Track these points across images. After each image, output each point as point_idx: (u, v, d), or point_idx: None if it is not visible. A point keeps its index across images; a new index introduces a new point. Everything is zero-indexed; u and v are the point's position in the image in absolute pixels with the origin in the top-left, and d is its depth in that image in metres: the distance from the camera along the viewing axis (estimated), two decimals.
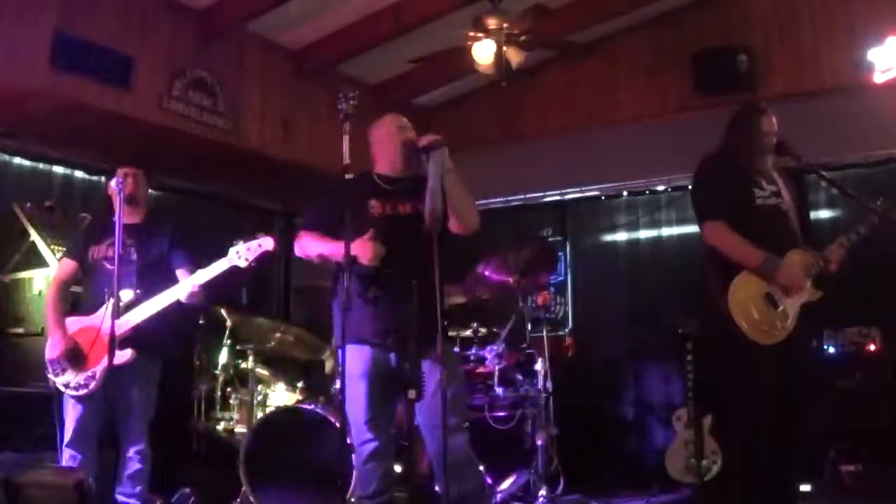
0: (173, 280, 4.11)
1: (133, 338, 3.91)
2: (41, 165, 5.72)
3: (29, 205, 4.96)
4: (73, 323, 4.08)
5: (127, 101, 5.23)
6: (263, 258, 4.09)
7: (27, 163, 5.67)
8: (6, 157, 5.56)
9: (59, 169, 5.81)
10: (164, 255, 4.18)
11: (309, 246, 3.54)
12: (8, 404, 4.46)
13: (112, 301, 3.78)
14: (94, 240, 4.21)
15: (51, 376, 4.01)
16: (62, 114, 5.05)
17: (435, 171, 3.35)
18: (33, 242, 4.79)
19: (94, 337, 3.95)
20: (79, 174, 5.89)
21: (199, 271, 4.02)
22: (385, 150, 3.65)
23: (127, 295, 3.93)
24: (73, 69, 4.92)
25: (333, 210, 3.42)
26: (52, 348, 4.02)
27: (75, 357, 3.97)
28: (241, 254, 4.00)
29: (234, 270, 4.04)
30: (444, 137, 3.42)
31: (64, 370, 3.97)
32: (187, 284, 4.00)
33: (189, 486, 4.74)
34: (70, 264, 4.23)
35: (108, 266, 4.05)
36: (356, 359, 3.36)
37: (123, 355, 3.83)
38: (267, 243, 4.05)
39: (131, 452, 4.00)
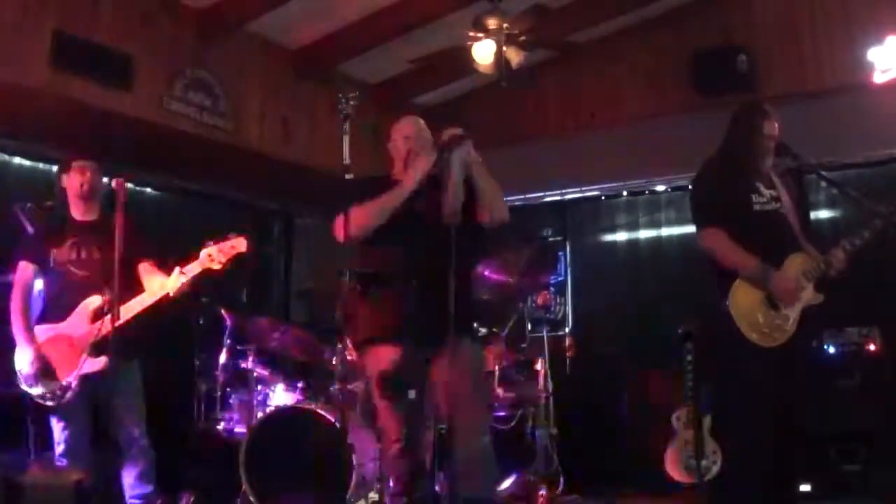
0: (135, 275, 3.98)
1: (109, 343, 3.67)
2: (41, 165, 5.72)
3: (29, 205, 4.94)
4: (43, 332, 3.92)
5: (127, 101, 5.23)
6: (238, 258, 3.95)
7: (27, 163, 5.66)
8: (6, 157, 5.55)
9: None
10: (125, 251, 4.06)
11: (360, 213, 3.40)
12: (8, 404, 4.44)
13: (91, 304, 3.77)
14: (54, 241, 4.03)
15: (24, 387, 3.86)
16: (62, 114, 5.04)
17: (458, 166, 3.38)
18: None
19: (66, 346, 3.83)
20: None
21: (170, 279, 3.88)
22: (394, 157, 3.74)
23: (95, 300, 3.83)
24: (73, 69, 4.92)
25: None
26: (23, 363, 3.85)
27: (47, 370, 3.82)
28: (213, 256, 3.87)
29: (208, 273, 3.91)
30: (464, 131, 3.45)
31: (37, 382, 3.83)
32: (176, 280, 3.86)
33: (189, 487, 4.74)
34: (30, 268, 4.02)
35: (75, 270, 3.93)
36: (374, 358, 3.40)
37: (97, 363, 3.73)
38: (239, 244, 3.90)
39: (133, 453, 3.94)
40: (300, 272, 7.33)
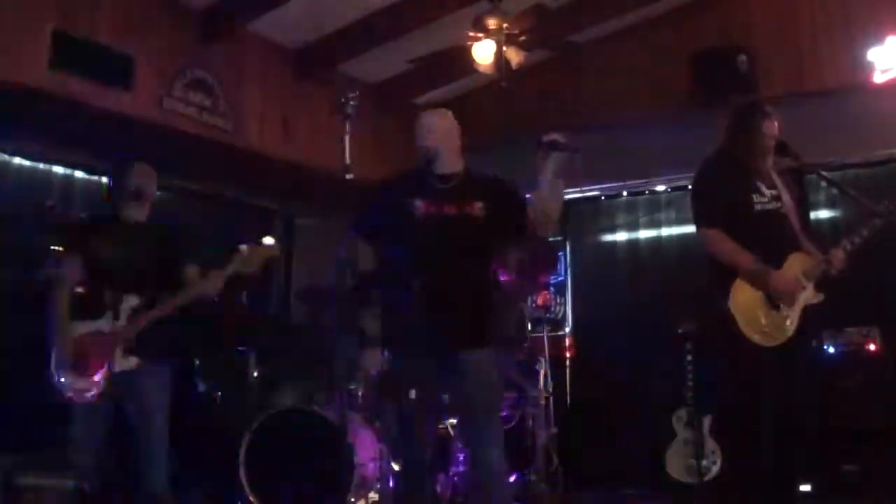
0: (178, 281, 4.03)
1: (140, 342, 3.80)
2: (41, 165, 5.72)
3: (29, 205, 4.94)
4: (78, 327, 3.92)
5: (127, 101, 5.22)
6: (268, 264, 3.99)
7: (27, 163, 5.66)
8: (6, 157, 5.55)
9: (59, 169, 5.80)
10: (169, 255, 4.07)
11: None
12: (9, 404, 4.45)
13: (123, 304, 3.77)
14: (96, 238, 4.05)
15: (56, 382, 3.88)
16: (62, 114, 5.04)
17: (551, 172, 3.24)
18: None
19: (100, 342, 3.85)
20: (79, 174, 5.88)
21: (215, 271, 3.93)
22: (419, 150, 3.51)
23: (133, 299, 3.85)
24: (73, 69, 4.92)
25: (377, 213, 3.39)
26: (58, 354, 3.88)
27: (80, 363, 3.85)
28: (247, 259, 3.90)
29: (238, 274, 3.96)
30: (574, 142, 3.26)
31: (68, 376, 3.85)
32: (218, 280, 3.89)
33: (189, 487, 4.74)
34: (75, 265, 4.01)
35: (115, 268, 3.95)
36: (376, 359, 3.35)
37: (129, 362, 3.77)
38: (273, 248, 3.94)
39: (151, 454, 3.88)
40: (300, 272, 7.33)
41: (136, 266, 3.94)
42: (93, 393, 3.85)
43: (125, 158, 4.15)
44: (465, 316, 3.23)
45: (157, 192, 4.13)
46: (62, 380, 3.89)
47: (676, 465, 5.70)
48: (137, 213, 4.06)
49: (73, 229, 4.34)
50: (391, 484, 4.52)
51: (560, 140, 3.26)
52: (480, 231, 3.34)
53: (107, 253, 4.03)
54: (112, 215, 4.12)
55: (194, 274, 4.04)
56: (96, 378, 3.85)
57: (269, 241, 3.97)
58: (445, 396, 3.48)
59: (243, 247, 3.92)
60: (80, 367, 3.86)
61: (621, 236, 7.08)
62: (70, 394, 3.89)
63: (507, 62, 5.40)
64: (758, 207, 3.65)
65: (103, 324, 3.91)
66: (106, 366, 3.83)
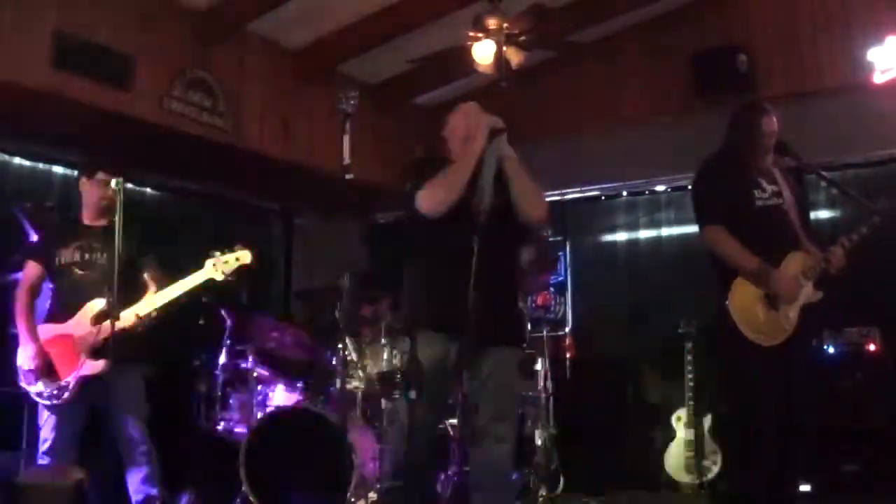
0: (142, 285, 4.01)
1: (108, 346, 3.71)
2: (41, 165, 5.72)
3: (29, 205, 4.94)
4: (46, 331, 3.94)
5: (127, 101, 5.22)
6: (242, 271, 3.96)
7: (27, 163, 5.67)
8: (6, 157, 5.56)
9: (59, 169, 5.81)
10: (132, 259, 3.99)
11: (435, 189, 3.29)
12: (8, 404, 4.45)
13: (94, 307, 3.78)
14: (60, 242, 4.05)
15: (23, 385, 3.90)
16: (62, 114, 5.05)
17: (487, 161, 3.22)
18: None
19: (67, 346, 3.84)
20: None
21: (172, 286, 3.90)
22: (451, 141, 3.54)
23: (99, 303, 3.84)
24: (73, 69, 4.92)
25: None
26: (24, 359, 3.88)
27: (48, 368, 3.85)
28: (217, 267, 3.89)
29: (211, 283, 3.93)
30: (501, 125, 3.31)
31: (37, 379, 3.85)
32: (183, 287, 3.89)
33: (189, 487, 4.74)
34: (36, 267, 4.05)
35: (80, 272, 3.95)
36: (424, 346, 3.22)
37: (96, 366, 3.74)
38: (245, 257, 3.92)
39: (135, 456, 3.92)
40: (300, 272, 7.33)
41: (98, 269, 3.93)
42: (61, 396, 3.83)
43: (91, 165, 4.11)
44: (499, 310, 3.20)
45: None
46: (30, 383, 3.87)
47: (676, 465, 5.70)
48: (99, 218, 4.03)
49: (37, 235, 4.32)
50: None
51: (501, 126, 3.30)
52: (513, 223, 3.32)
53: (71, 257, 4.01)
54: (77, 219, 4.11)
55: (152, 280, 4.02)
56: (64, 382, 3.84)
57: (241, 249, 3.94)
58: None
59: (216, 254, 3.90)
60: (49, 369, 3.85)
61: (621, 236, 7.08)
62: (38, 398, 3.88)
63: (507, 62, 5.39)
64: (759, 203, 3.65)
65: (69, 327, 3.90)
66: (74, 369, 3.81)
